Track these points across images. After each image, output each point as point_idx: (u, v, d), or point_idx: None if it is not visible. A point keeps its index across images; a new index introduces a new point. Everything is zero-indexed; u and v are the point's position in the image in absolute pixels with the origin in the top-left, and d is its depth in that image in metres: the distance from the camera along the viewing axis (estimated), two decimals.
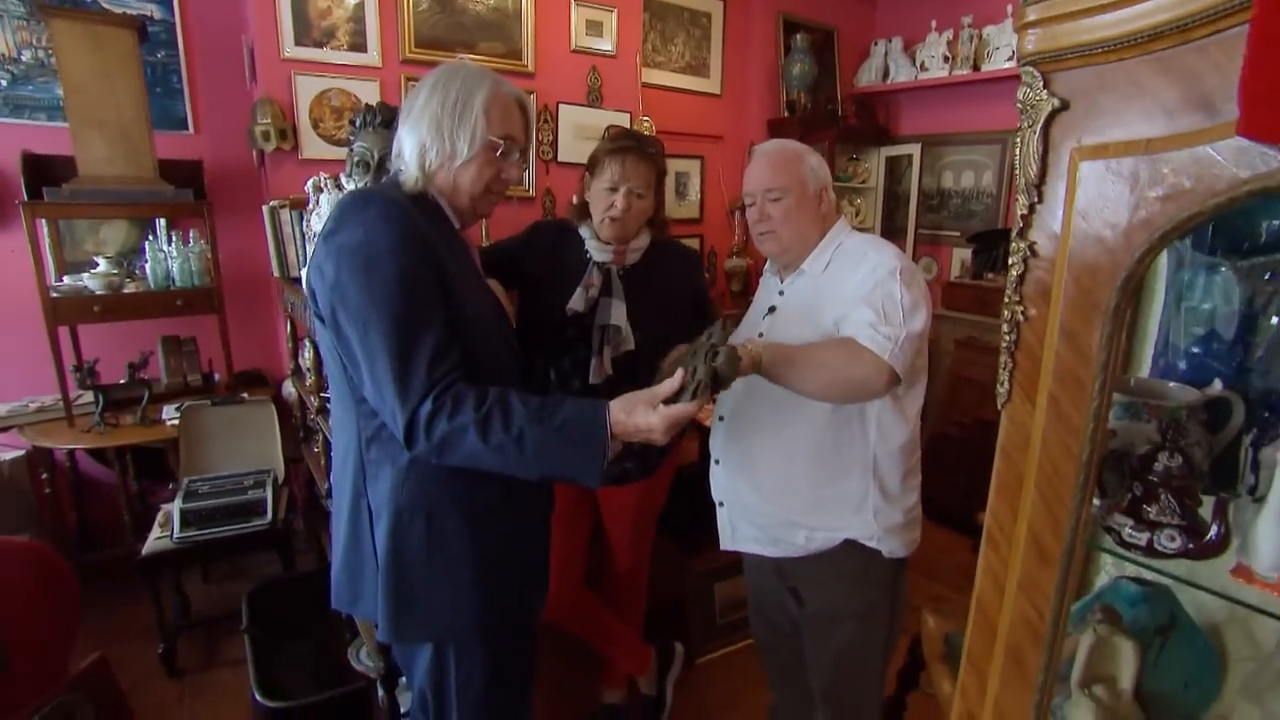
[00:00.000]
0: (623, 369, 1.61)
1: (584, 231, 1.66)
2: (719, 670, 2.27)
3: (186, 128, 2.92)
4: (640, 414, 1.03)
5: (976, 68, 3.82)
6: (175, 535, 2.03)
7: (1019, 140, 0.51)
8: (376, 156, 1.53)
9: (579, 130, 3.34)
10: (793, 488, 1.39)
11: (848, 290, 1.29)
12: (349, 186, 1.64)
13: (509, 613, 1.20)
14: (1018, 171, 0.51)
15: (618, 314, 1.59)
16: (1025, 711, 0.55)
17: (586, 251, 1.65)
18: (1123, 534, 0.65)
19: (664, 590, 2.26)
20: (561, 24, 3.27)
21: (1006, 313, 0.54)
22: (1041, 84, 0.49)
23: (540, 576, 1.31)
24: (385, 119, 1.56)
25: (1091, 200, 0.47)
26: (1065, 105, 0.48)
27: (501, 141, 1.13)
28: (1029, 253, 0.52)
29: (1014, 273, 0.53)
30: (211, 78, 2.92)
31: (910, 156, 4.21)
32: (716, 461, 1.50)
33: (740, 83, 4.15)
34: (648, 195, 1.61)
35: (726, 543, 1.54)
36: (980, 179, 4.05)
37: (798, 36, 4.05)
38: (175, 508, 2.09)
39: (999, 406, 0.57)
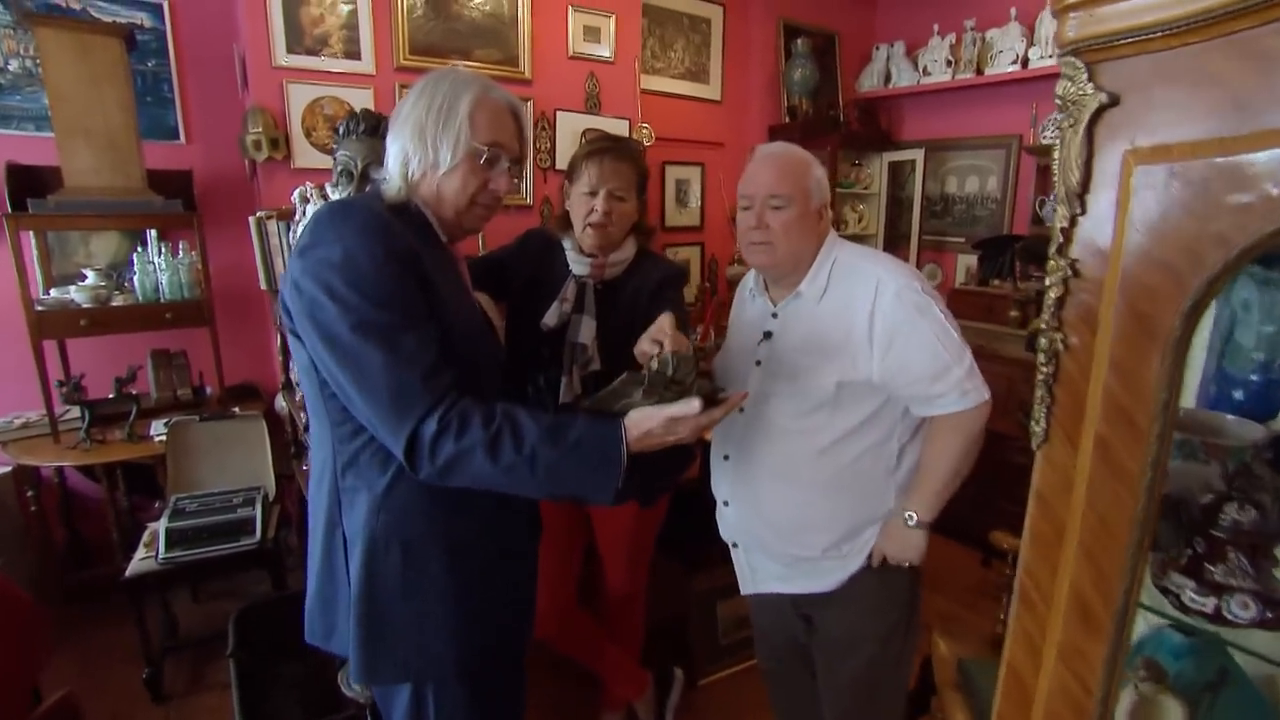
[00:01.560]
0: (591, 390, 1.54)
1: (566, 243, 1.60)
2: (723, 692, 2.19)
3: (178, 137, 2.87)
4: (659, 425, 0.99)
5: (980, 71, 3.77)
6: (160, 556, 1.97)
7: (1058, 142, 0.44)
8: (360, 165, 1.47)
9: (577, 138, 3.29)
10: (816, 525, 1.31)
11: (860, 320, 1.22)
12: (334, 196, 1.58)
13: (492, 650, 1.13)
14: (1055, 178, 0.45)
15: (586, 332, 1.52)
16: None
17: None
18: (1183, 597, 0.56)
19: (664, 609, 2.19)
20: (559, 30, 3.22)
21: (1043, 340, 0.47)
22: (1085, 76, 0.42)
23: (528, 609, 1.23)
24: (370, 126, 1.51)
25: (1150, 211, 0.41)
26: (1115, 100, 0.41)
27: (486, 149, 1.05)
28: (1070, 272, 0.45)
29: (1052, 295, 0.46)
30: (203, 87, 2.87)
31: (913, 162, 4.15)
32: (725, 504, 1.42)
33: (741, 89, 4.10)
34: (629, 198, 1.54)
35: (747, 587, 1.46)
36: (985, 184, 3.99)
37: (798, 41, 4.00)
38: (161, 527, 2.03)
39: (1034, 447, 0.50)
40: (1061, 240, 0.45)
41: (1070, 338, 0.46)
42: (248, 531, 2.06)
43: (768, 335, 1.36)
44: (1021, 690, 0.51)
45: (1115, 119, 0.42)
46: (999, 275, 3.36)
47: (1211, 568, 0.56)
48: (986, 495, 2.55)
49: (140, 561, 2.00)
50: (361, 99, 2.78)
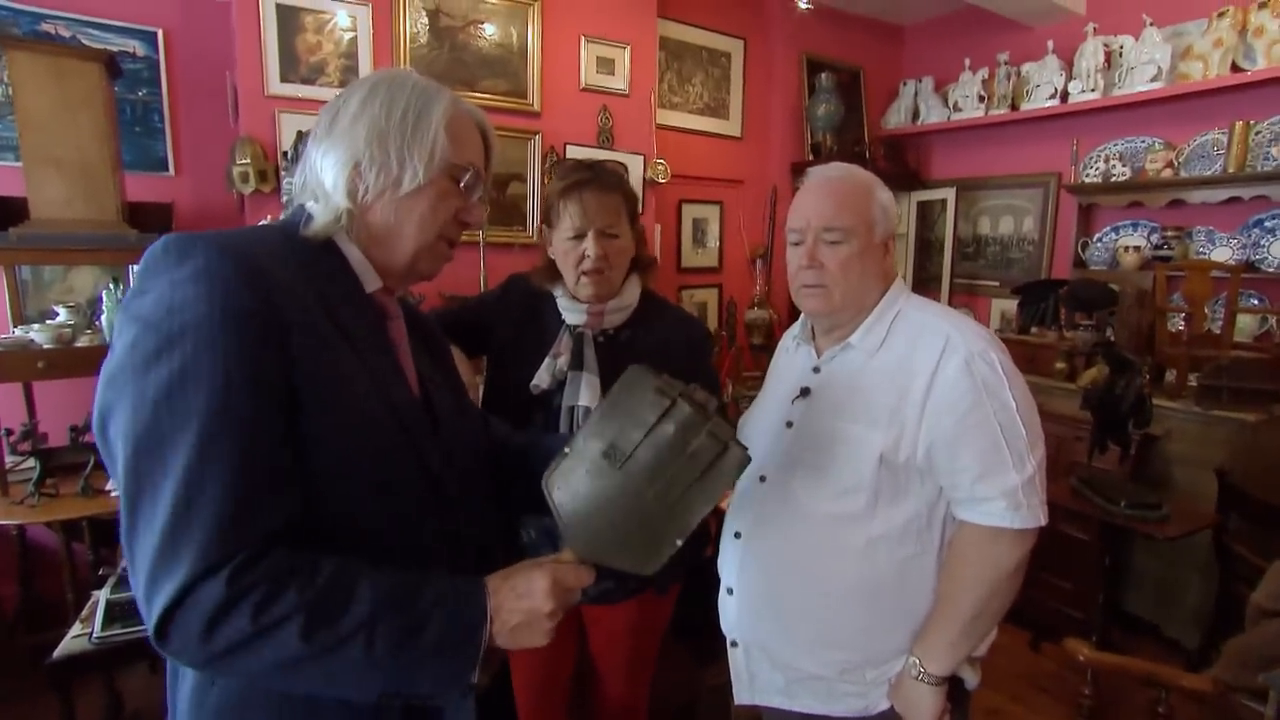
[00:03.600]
0: None
1: (556, 292, 1.37)
2: None
3: (166, 169, 2.74)
4: (524, 585, 0.73)
5: (1015, 107, 3.57)
6: (95, 635, 1.73)
7: None
8: None
9: None
10: (836, 638, 1.05)
11: (918, 384, 0.99)
12: None
13: None
14: None
15: (588, 392, 1.27)
16: None
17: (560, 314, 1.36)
18: None
19: (671, 705, 1.90)
20: (570, 61, 3.08)
21: None
22: None
23: None
24: None
25: None
26: None
27: (469, 168, 0.83)
28: None
29: None
30: (195, 117, 2.75)
31: (944, 201, 3.94)
32: (730, 591, 1.16)
33: (762, 124, 3.94)
34: (622, 232, 1.31)
35: (742, 695, 1.18)
36: (1020, 224, 3.76)
37: (822, 76, 3.84)
38: (101, 598, 1.79)
39: None
40: None
41: None
42: None
43: (805, 392, 1.11)
44: None
45: None
46: (1041, 322, 3.10)
47: None
48: (1031, 567, 2.27)
49: (72, 640, 1.76)
50: None
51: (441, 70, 2.79)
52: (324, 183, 0.79)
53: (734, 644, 1.17)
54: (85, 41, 2.53)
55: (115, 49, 2.50)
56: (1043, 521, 0.96)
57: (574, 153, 3.08)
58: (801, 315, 1.18)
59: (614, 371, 1.28)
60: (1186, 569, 2.54)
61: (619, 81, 3.22)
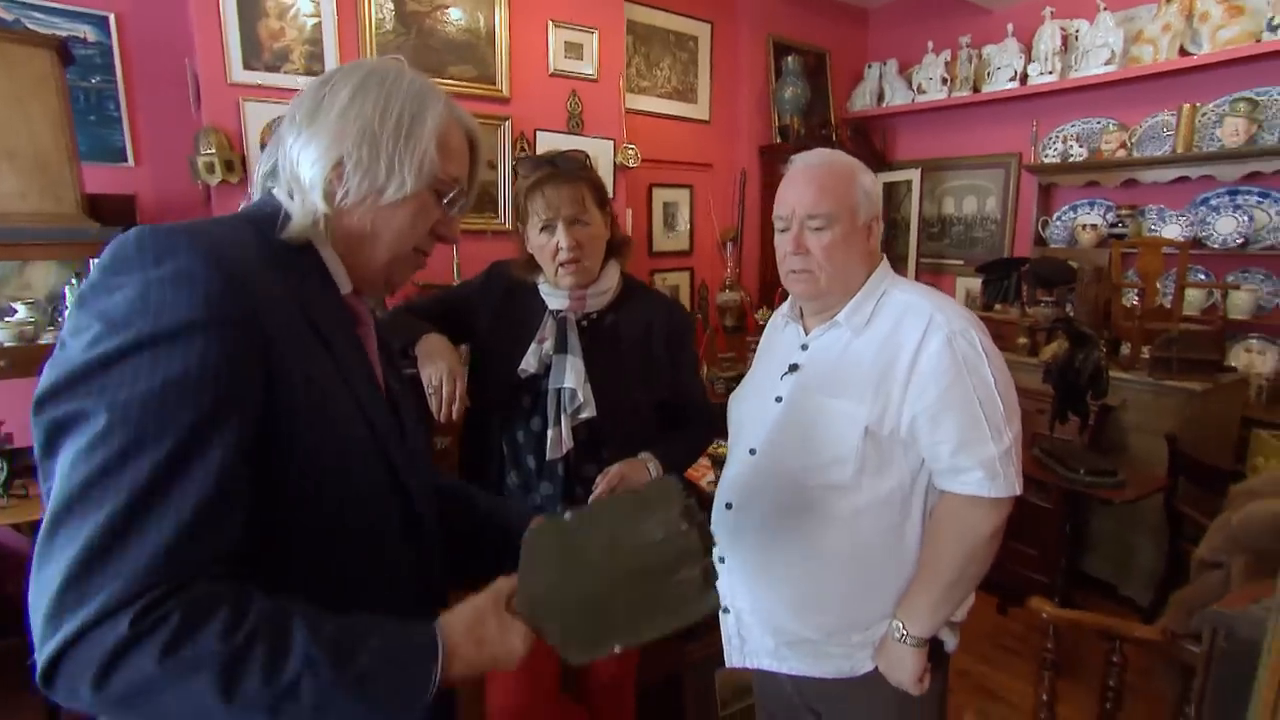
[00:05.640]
0: (585, 442, 1.33)
1: (538, 280, 1.40)
2: None
3: (125, 159, 2.65)
4: (497, 635, 0.68)
5: (977, 89, 3.66)
6: None
7: None
8: None
9: None
10: (824, 602, 1.11)
11: (902, 360, 1.04)
12: None
13: None
14: None
15: (573, 375, 1.30)
16: None
17: (543, 300, 1.38)
18: None
19: (657, 679, 1.96)
20: (538, 46, 3.06)
21: None
22: None
23: None
24: None
25: None
26: None
27: (455, 184, 0.81)
28: None
29: None
30: (154, 105, 2.66)
31: (909, 182, 4.02)
32: (721, 560, 1.21)
33: (730, 108, 3.96)
34: (592, 220, 1.32)
35: (734, 658, 1.23)
36: (983, 204, 3.86)
37: (789, 59, 3.87)
38: None
39: None
40: None
41: None
42: None
43: (793, 368, 1.16)
44: None
45: None
46: (1004, 299, 3.21)
47: None
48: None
49: None
50: None
51: (408, 57, 2.70)
52: (300, 176, 0.74)
53: (725, 610, 1.22)
54: (31, 26, 2.43)
55: (64, 34, 2.41)
56: (1018, 491, 1.02)
57: (544, 138, 3.07)
58: (791, 295, 1.22)
59: (599, 354, 1.33)
60: (1140, 532, 2.68)
61: (588, 66, 3.21)
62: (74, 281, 2.30)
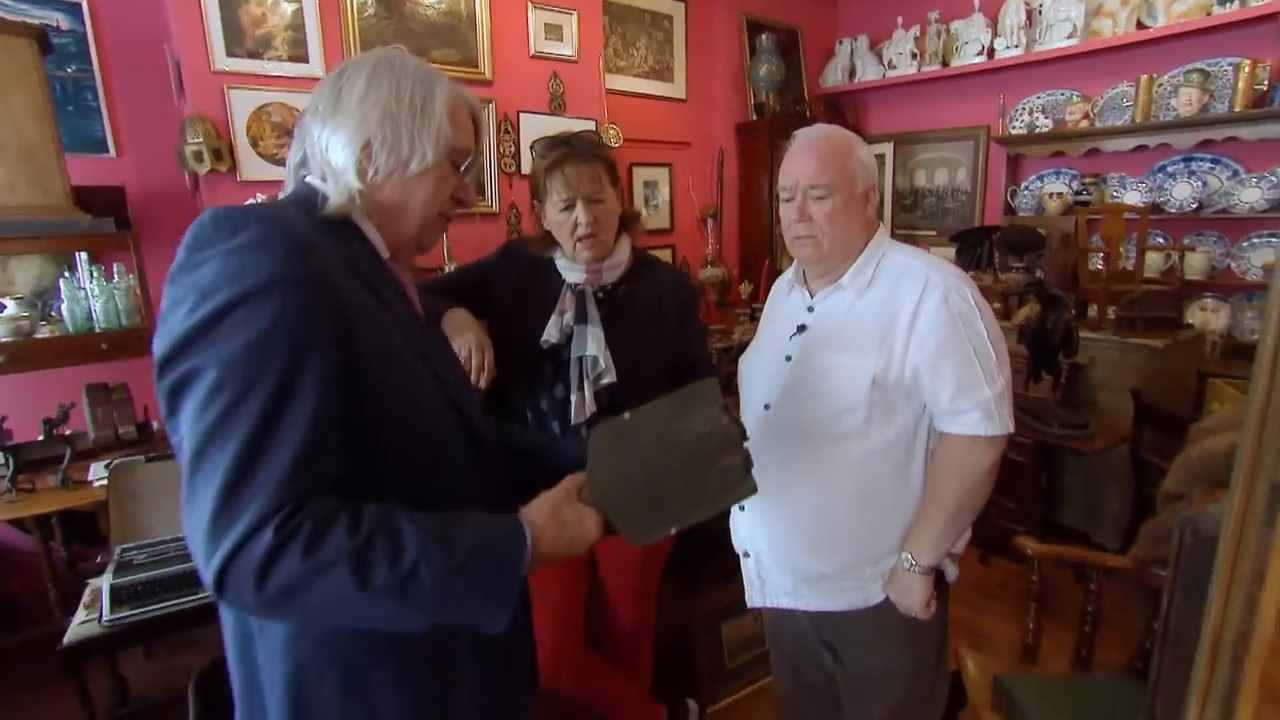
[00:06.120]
0: (606, 406, 1.41)
1: (555, 255, 1.47)
2: (735, 718, 2.08)
3: (106, 150, 2.62)
4: (574, 520, 0.80)
5: (945, 64, 3.76)
6: (105, 618, 1.74)
7: None
8: None
9: None
10: (837, 538, 1.21)
11: (903, 316, 1.13)
12: None
13: None
14: None
15: (594, 343, 1.38)
16: None
17: (561, 275, 1.46)
18: None
19: (667, 633, 2.06)
20: (519, 28, 3.07)
21: None
22: None
23: (520, 686, 0.97)
24: None
25: None
26: None
27: (467, 152, 0.90)
28: None
29: None
30: (133, 94, 2.63)
31: (882, 156, 4.13)
32: (741, 508, 1.31)
33: (705, 86, 4.01)
34: (607, 197, 1.41)
35: (755, 599, 1.34)
36: (954, 176, 3.99)
37: (762, 37, 3.93)
38: (105, 583, 1.80)
39: None
40: None
41: None
42: None
43: (801, 329, 1.25)
44: None
45: None
46: (977, 266, 3.34)
47: None
48: None
49: (81, 625, 1.77)
50: None
51: (391, 40, 2.74)
52: (332, 161, 0.82)
53: (746, 554, 1.33)
54: (1, 14, 2.39)
55: (35, 22, 2.37)
56: (1011, 429, 1.12)
57: (527, 120, 3.10)
58: (794, 262, 1.32)
59: (615, 323, 1.41)
60: (1108, 482, 2.85)
61: (567, 48, 3.23)
62: (67, 275, 2.28)
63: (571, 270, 1.43)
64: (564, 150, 1.38)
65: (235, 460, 0.64)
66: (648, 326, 1.45)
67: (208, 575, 0.64)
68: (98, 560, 2.24)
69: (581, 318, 1.39)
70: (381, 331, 0.78)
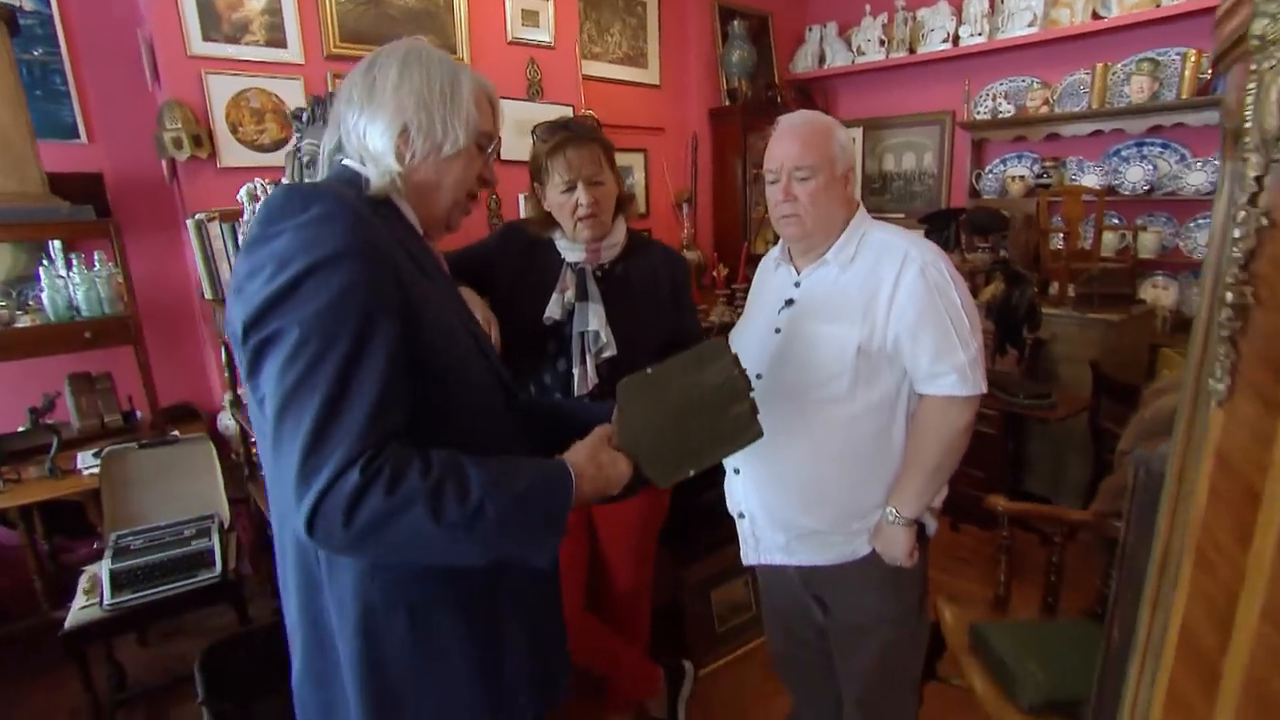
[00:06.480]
0: (607, 379, 1.48)
1: (555, 235, 1.54)
2: (725, 681, 2.17)
3: (77, 135, 2.57)
4: (609, 461, 0.91)
5: (913, 50, 3.87)
6: (106, 602, 1.76)
7: (1251, 84, 0.42)
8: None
9: (520, 126, 3.15)
10: (827, 495, 1.29)
11: (884, 289, 1.21)
12: None
13: (524, 686, 0.98)
14: (1248, 124, 0.42)
15: (595, 318, 1.46)
16: None
17: (560, 254, 1.52)
18: None
19: (659, 600, 2.14)
20: (496, 14, 3.09)
21: (1229, 295, 0.45)
22: None
23: (559, 652, 1.07)
24: None
25: None
26: None
27: (492, 135, 0.97)
28: (1263, 222, 0.43)
29: (1240, 249, 0.44)
30: (104, 79, 2.58)
31: (852, 140, 4.22)
32: (736, 471, 1.39)
33: (679, 72, 4.06)
34: (606, 179, 1.48)
35: (750, 557, 1.43)
36: (921, 160, 4.11)
37: (734, 24, 3.99)
38: (103, 569, 1.81)
39: (1215, 404, 0.48)
40: (1255, 189, 0.42)
41: (1263, 291, 0.43)
42: (207, 564, 1.88)
43: (789, 302, 1.34)
44: (1201, 656, 0.49)
45: None
46: (945, 247, 3.46)
47: None
48: None
49: (82, 610, 1.78)
50: (291, 91, 2.58)
51: (369, 26, 2.75)
52: (370, 146, 0.89)
53: (741, 516, 1.41)
54: None
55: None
56: (984, 389, 1.22)
57: (506, 106, 3.09)
58: (780, 241, 1.39)
59: (614, 300, 1.47)
60: (1070, 450, 3.01)
61: (544, 34, 3.25)
62: (45, 262, 2.25)
63: (571, 250, 1.49)
64: (565, 134, 1.43)
65: (320, 410, 0.71)
66: (644, 302, 1.52)
67: (300, 515, 0.71)
68: (90, 547, 2.24)
69: (582, 295, 1.45)
70: (428, 299, 0.86)
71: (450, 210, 0.97)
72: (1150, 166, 3.29)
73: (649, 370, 0.98)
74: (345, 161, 0.92)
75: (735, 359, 1.01)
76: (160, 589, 1.83)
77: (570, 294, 1.46)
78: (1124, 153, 3.38)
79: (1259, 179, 0.42)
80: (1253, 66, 0.41)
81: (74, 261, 2.25)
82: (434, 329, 0.85)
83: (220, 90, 2.45)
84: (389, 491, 0.71)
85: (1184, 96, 3.08)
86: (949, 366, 1.19)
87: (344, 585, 0.86)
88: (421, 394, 0.82)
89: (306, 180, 1.38)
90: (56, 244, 2.34)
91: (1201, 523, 0.49)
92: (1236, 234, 0.44)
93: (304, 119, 1.38)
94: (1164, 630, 0.55)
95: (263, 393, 0.76)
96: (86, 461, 2.17)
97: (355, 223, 0.78)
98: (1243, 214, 0.43)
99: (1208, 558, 0.49)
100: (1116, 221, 3.43)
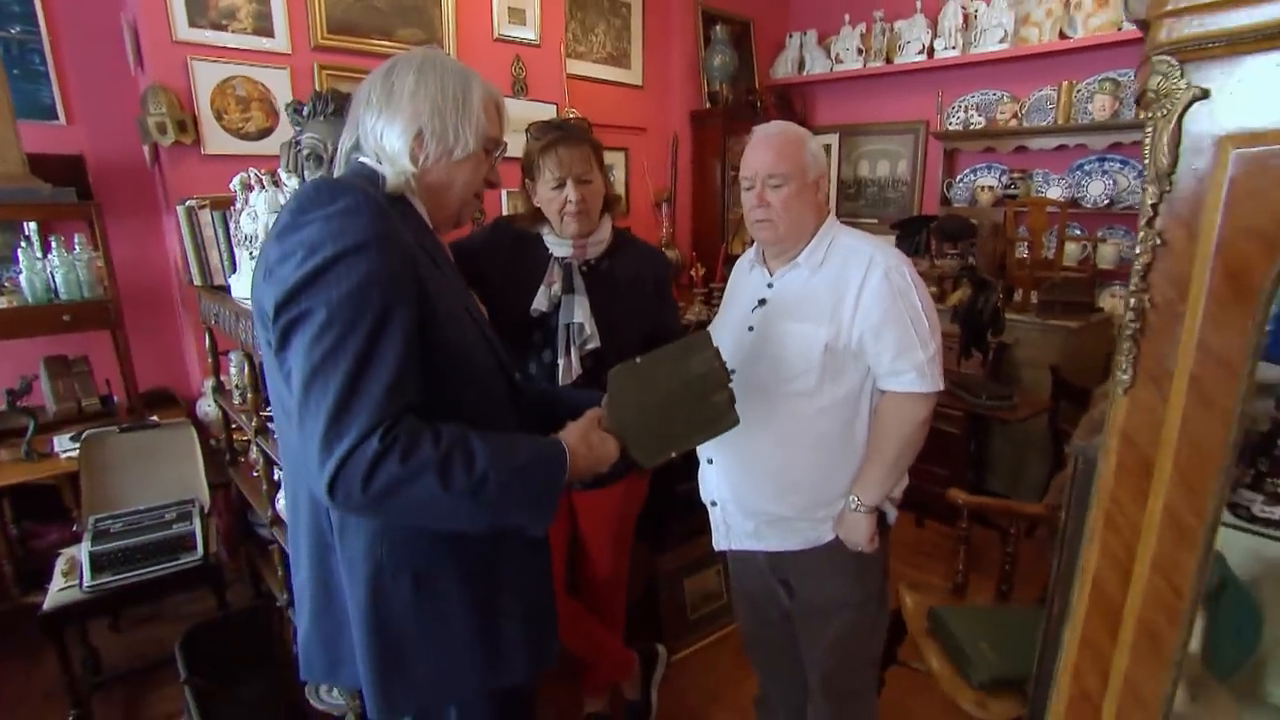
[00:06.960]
0: (591, 370, 1.55)
1: (543, 231, 1.59)
2: (696, 666, 2.25)
3: (56, 117, 2.55)
4: (599, 442, 0.99)
5: (889, 60, 3.98)
6: (86, 584, 1.77)
7: (1148, 130, 0.50)
8: (331, 149, 1.38)
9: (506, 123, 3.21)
10: (796, 484, 1.37)
11: (851, 291, 1.29)
12: (292, 184, 1.47)
13: (519, 654, 1.05)
14: (1145, 160, 0.50)
15: (580, 311, 1.52)
16: (1161, 686, 0.54)
17: (547, 249, 1.58)
18: (1254, 509, 0.68)
19: (633, 588, 2.21)
20: (483, 11, 3.12)
21: (1132, 300, 0.53)
22: (1179, 73, 0.48)
23: (550, 619, 1.14)
24: (339, 106, 1.41)
25: (1240, 188, 0.46)
26: (1205, 94, 0.47)
27: (499, 140, 1.05)
28: (1158, 241, 0.51)
29: (1140, 262, 0.52)
30: (86, 60, 2.56)
31: (828, 146, 4.33)
32: (709, 461, 1.46)
33: (661, 74, 4.12)
34: (595, 178, 1.55)
35: (720, 543, 1.50)
36: (895, 168, 4.23)
37: (717, 28, 4.07)
38: (83, 551, 1.83)
39: (1122, 392, 0.56)
40: (1151, 214, 0.50)
41: (1157, 297, 0.51)
42: (187, 548, 1.90)
43: (762, 302, 1.41)
44: (1107, 603, 0.58)
45: (1205, 110, 0.47)
46: (915, 253, 3.58)
47: (1275, 481, 0.67)
48: (916, 461, 2.75)
49: (61, 592, 1.80)
50: (277, 80, 2.59)
51: (358, 18, 2.77)
52: (386, 147, 0.96)
53: (713, 503, 1.48)
54: None
55: None
56: (941, 387, 1.30)
57: None
58: (754, 244, 1.47)
59: (599, 294, 1.53)
60: (1030, 450, 3.14)
61: (530, 31, 3.30)
62: (24, 244, 2.24)
63: (559, 245, 1.55)
64: (557, 134, 1.49)
65: (343, 383, 0.79)
66: (627, 297, 1.59)
67: (322, 479, 0.78)
68: (53, 536, 2.24)
69: (569, 288, 1.51)
70: (440, 287, 0.93)
71: (459, 209, 1.05)
72: (1111, 181, 3.44)
73: (638, 360, 1.05)
74: (362, 159, 0.99)
75: (718, 351, 1.10)
76: (141, 572, 1.85)
77: (557, 287, 1.52)
78: (1087, 167, 3.52)
79: (1154, 205, 0.50)
80: (1148, 114, 0.49)
81: (53, 244, 2.25)
82: (446, 319, 0.92)
83: (206, 77, 2.46)
84: (404, 460, 0.79)
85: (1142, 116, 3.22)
86: (909, 364, 1.28)
87: (355, 548, 0.93)
88: (431, 375, 0.88)
89: (305, 169, 1.43)
90: (33, 225, 2.33)
91: (1110, 492, 0.57)
92: (1138, 250, 0.52)
93: (304, 113, 1.42)
94: (1084, 589, 0.63)
95: (289, 366, 0.83)
96: (64, 445, 2.17)
97: (378, 216, 0.85)
98: (1142, 234, 0.51)
99: (1114, 520, 0.57)
100: (1078, 233, 3.57)
